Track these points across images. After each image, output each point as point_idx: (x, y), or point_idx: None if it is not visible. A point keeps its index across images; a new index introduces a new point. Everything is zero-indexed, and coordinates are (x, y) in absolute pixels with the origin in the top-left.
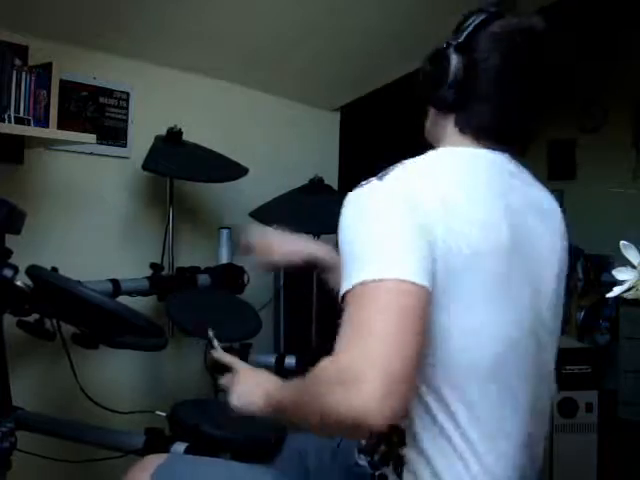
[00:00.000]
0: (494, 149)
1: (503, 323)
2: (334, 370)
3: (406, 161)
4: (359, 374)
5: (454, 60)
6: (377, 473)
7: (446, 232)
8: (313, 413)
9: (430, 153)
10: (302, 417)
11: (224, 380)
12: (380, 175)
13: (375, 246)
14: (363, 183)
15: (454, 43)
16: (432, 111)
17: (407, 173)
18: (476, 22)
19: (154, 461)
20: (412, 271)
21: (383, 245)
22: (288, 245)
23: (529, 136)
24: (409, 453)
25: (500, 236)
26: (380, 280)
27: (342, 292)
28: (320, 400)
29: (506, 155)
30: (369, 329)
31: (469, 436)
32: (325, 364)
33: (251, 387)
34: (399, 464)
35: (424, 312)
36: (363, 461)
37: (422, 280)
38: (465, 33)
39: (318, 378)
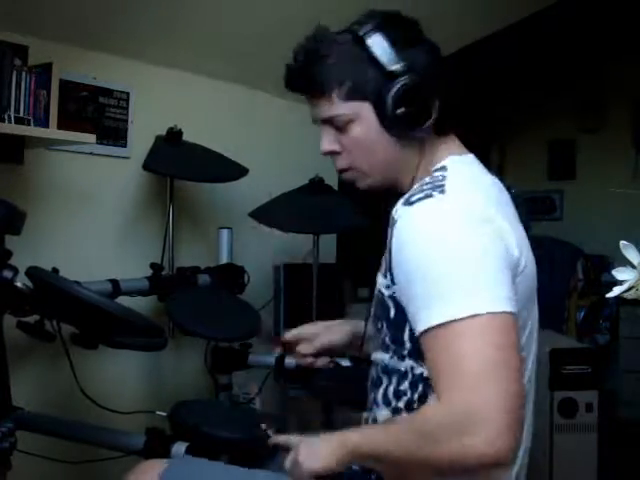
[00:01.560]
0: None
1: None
2: (450, 415)
3: (447, 173)
4: (476, 419)
5: (415, 79)
6: (373, 477)
7: (515, 251)
8: (430, 460)
9: (453, 164)
10: (412, 464)
11: (287, 462)
12: (437, 186)
13: (462, 277)
14: (419, 195)
15: (398, 67)
16: (415, 143)
17: (465, 186)
18: (380, 39)
19: (154, 465)
20: (503, 301)
21: (470, 275)
22: (328, 335)
23: None
24: None
25: (531, 254)
26: (474, 316)
27: (427, 326)
28: (440, 448)
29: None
30: (474, 371)
31: None
32: (435, 409)
33: (316, 445)
34: None
35: (518, 337)
36: (356, 465)
37: (512, 307)
38: (390, 52)
39: (432, 425)
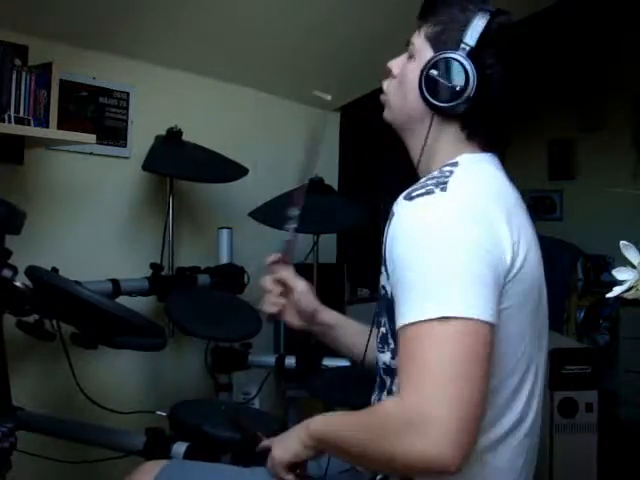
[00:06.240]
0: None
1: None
2: (401, 412)
3: (456, 169)
4: (428, 419)
5: (468, 67)
6: (378, 477)
7: (508, 256)
8: (378, 453)
9: (466, 162)
10: (362, 455)
11: (268, 462)
12: (439, 183)
13: (444, 278)
14: (420, 191)
15: (466, 48)
16: (431, 114)
17: (468, 184)
18: (483, 25)
19: (152, 467)
20: (482, 309)
21: (453, 277)
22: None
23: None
24: None
25: (537, 257)
26: (448, 319)
27: (403, 323)
28: (388, 443)
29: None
30: (436, 372)
31: (487, 436)
32: (391, 404)
33: (286, 434)
34: None
35: (490, 350)
36: (361, 467)
37: (491, 317)
38: (476, 37)
39: (384, 418)
